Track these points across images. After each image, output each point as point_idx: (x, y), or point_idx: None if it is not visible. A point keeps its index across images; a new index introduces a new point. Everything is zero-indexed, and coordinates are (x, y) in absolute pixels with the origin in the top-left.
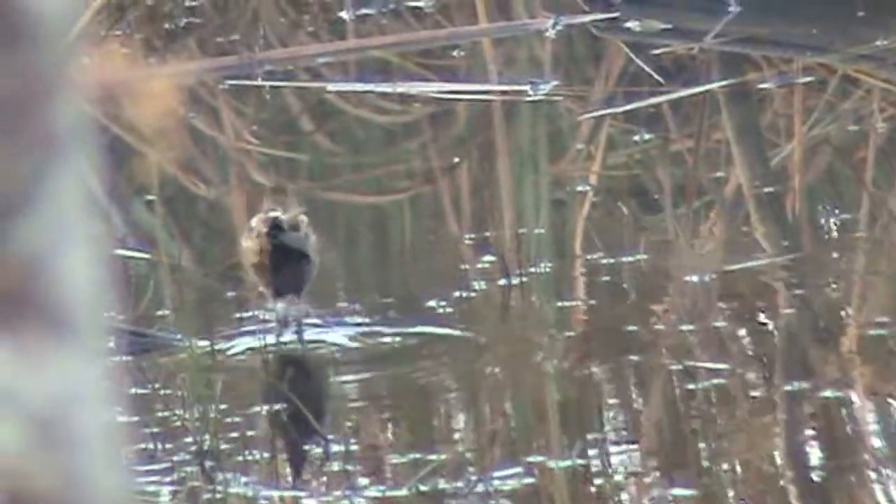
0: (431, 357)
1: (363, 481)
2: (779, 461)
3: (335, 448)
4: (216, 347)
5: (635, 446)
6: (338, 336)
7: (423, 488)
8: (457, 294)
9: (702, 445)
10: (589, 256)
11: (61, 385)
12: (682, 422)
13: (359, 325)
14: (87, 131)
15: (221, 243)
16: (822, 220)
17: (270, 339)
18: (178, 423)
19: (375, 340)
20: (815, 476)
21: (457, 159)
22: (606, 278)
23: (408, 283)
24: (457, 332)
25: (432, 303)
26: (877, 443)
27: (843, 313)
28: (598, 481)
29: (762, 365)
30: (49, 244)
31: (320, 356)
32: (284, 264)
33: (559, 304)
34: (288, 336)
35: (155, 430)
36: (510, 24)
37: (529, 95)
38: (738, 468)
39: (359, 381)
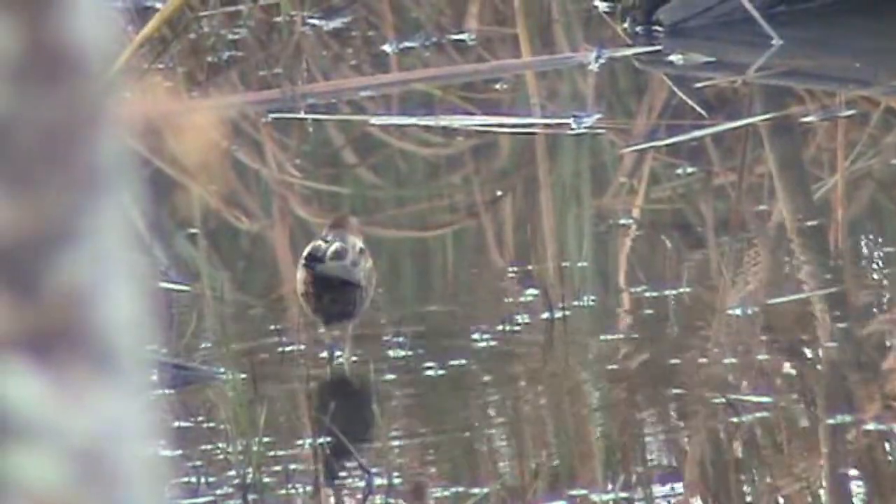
0: (475, 389)
1: None
2: (822, 495)
3: (378, 481)
4: (259, 380)
5: (679, 480)
6: (383, 367)
7: None
8: (500, 327)
9: (745, 479)
10: (632, 290)
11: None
12: (726, 455)
13: (404, 357)
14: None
15: (264, 276)
16: (865, 254)
17: (314, 370)
18: (221, 457)
19: (420, 372)
20: None
21: (500, 192)
22: (650, 311)
23: (452, 316)
24: (500, 365)
25: (476, 335)
26: None
27: (886, 346)
28: None
29: (806, 398)
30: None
31: (364, 387)
32: (326, 293)
33: (602, 337)
34: (334, 363)
35: (198, 463)
36: (553, 57)
37: (572, 129)
38: (782, 502)
39: (403, 413)
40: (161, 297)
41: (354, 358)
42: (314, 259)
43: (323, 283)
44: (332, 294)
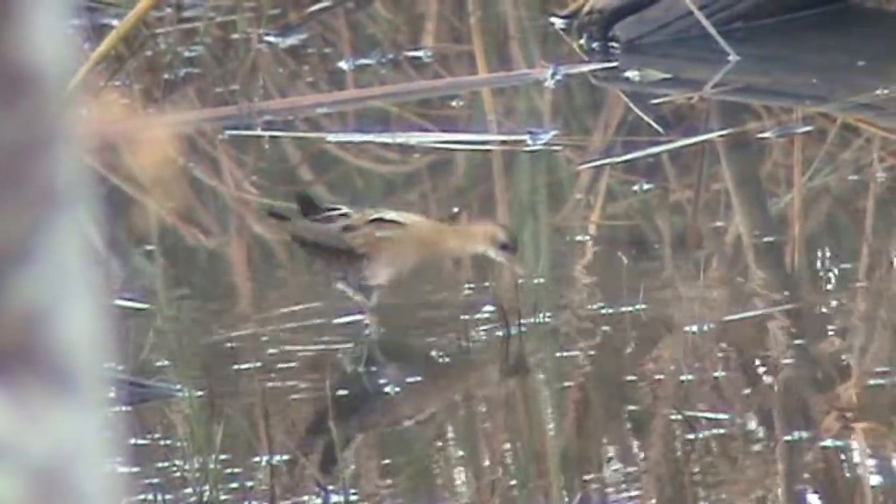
0: (431, 406)
1: None
2: None
3: (334, 498)
4: (216, 397)
5: (635, 498)
6: (339, 383)
7: None
8: (457, 344)
9: (701, 495)
10: (589, 306)
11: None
12: (682, 472)
13: (360, 373)
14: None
15: (220, 293)
16: (822, 270)
17: (270, 387)
18: (178, 474)
19: (377, 389)
20: None
21: (456, 209)
22: (606, 328)
23: (409, 333)
24: (456, 382)
25: (433, 352)
26: (876, 493)
27: (842, 363)
28: None
29: (762, 415)
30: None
31: (320, 404)
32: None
33: (558, 354)
34: (290, 378)
35: (154, 480)
36: (509, 74)
37: (528, 145)
38: None
39: (359, 430)
40: (118, 314)
41: (311, 376)
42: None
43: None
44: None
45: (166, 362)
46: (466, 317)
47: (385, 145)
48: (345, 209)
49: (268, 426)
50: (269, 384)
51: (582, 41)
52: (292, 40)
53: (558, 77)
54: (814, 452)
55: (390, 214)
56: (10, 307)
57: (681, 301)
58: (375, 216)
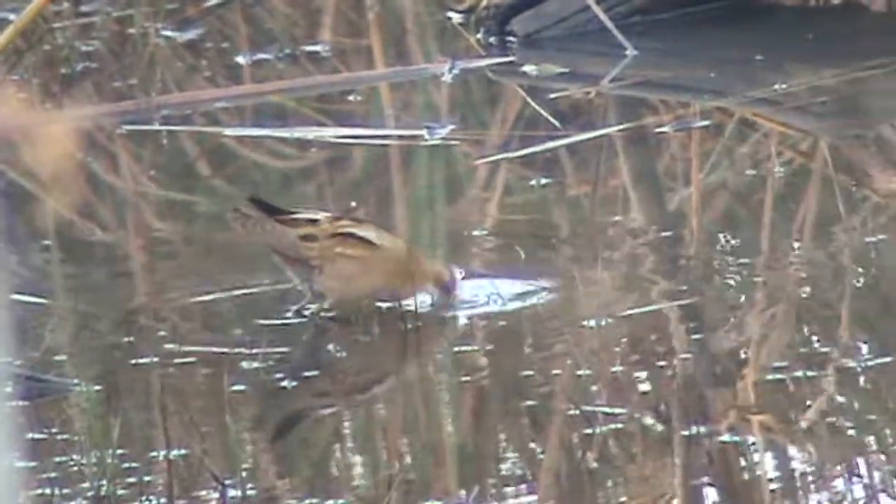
0: (328, 401)
1: None
2: None
3: (232, 493)
4: (113, 392)
5: (533, 492)
6: (236, 378)
7: None
8: (353, 339)
9: (598, 489)
10: (486, 301)
11: None
12: (580, 466)
13: (257, 368)
14: None
15: (118, 288)
16: (719, 265)
17: (168, 382)
18: (75, 469)
19: (274, 383)
20: None
21: (354, 203)
22: (503, 322)
23: (306, 328)
24: (353, 377)
25: (330, 346)
26: (773, 487)
27: (740, 357)
28: None
29: (660, 409)
30: None
31: (218, 398)
32: None
33: (456, 348)
34: (191, 374)
35: (52, 475)
36: (407, 68)
37: (426, 140)
38: None
39: (257, 425)
40: (15, 309)
41: (206, 371)
42: None
43: None
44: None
45: (63, 357)
46: (364, 311)
47: (283, 140)
48: (319, 215)
49: (165, 421)
50: (167, 379)
51: (479, 36)
52: (190, 35)
53: (456, 71)
54: (711, 446)
55: (367, 232)
56: None
57: (578, 295)
58: (347, 230)
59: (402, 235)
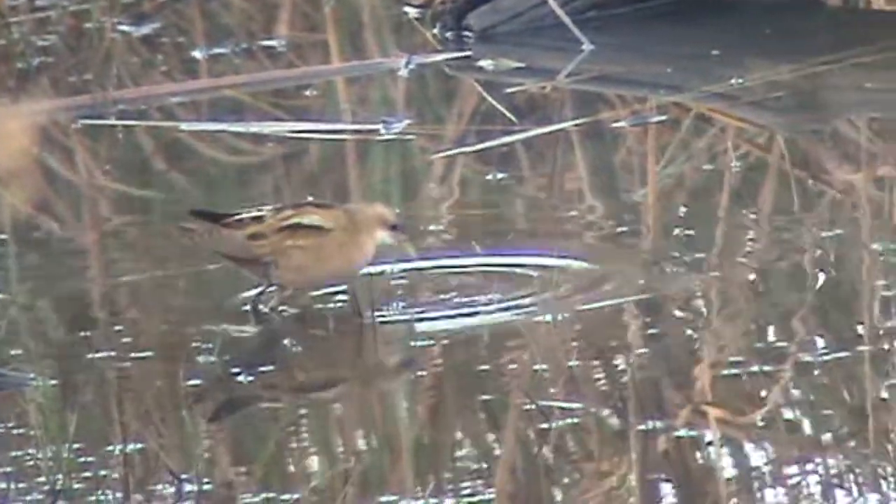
0: (285, 395)
1: None
2: (631, 500)
3: (188, 487)
4: (69, 386)
5: (489, 487)
6: (192, 373)
7: None
8: (310, 333)
9: (555, 485)
10: (443, 296)
11: None
12: (536, 461)
13: (213, 363)
14: None
15: (74, 282)
16: (676, 258)
17: (124, 377)
18: (31, 463)
19: (229, 378)
20: None
21: (310, 198)
22: (461, 317)
23: (263, 323)
24: (310, 371)
25: (286, 342)
26: (729, 481)
27: (695, 352)
28: None
29: (616, 404)
30: None
31: (174, 392)
32: None
33: (412, 343)
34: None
35: (7, 469)
36: (363, 63)
37: (382, 134)
38: None
39: (212, 420)
40: None
41: (165, 365)
42: None
43: None
44: None
45: (20, 351)
46: (320, 305)
47: (239, 135)
48: (263, 211)
49: (121, 415)
50: (123, 373)
51: (436, 30)
52: (146, 29)
53: (412, 66)
54: (667, 441)
55: (312, 218)
56: None
57: (534, 290)
58: (293, 221)
59: (336, 205)
